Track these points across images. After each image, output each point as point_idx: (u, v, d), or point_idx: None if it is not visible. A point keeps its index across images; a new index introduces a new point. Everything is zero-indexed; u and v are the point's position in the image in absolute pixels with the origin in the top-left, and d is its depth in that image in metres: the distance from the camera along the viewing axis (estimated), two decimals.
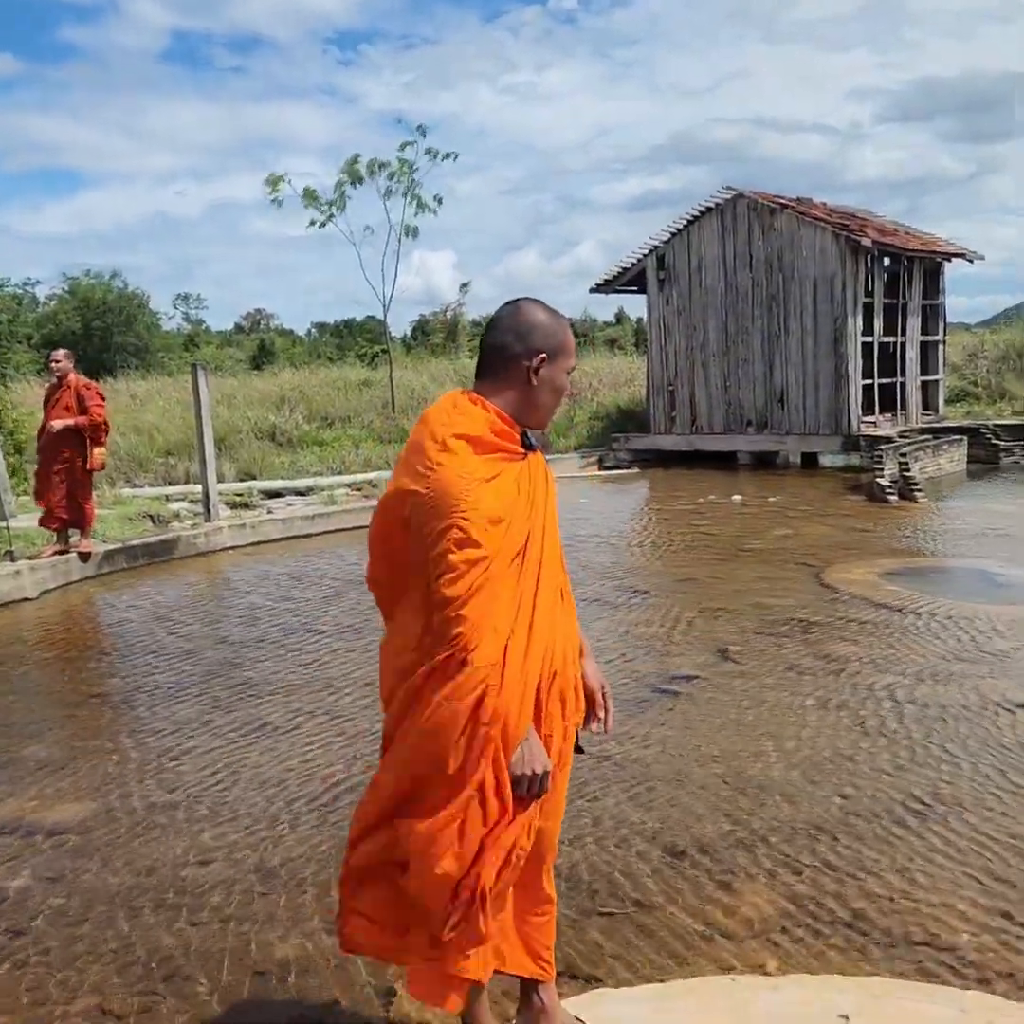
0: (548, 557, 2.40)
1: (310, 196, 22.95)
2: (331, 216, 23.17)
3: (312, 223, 23.29)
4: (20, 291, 45.25)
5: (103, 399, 10.26)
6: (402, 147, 22.95)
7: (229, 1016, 3.15)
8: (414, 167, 22.91)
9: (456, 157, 23.29)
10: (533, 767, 2.30)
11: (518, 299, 2.46)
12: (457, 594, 2.23)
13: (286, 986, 3.29)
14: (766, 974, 3.17)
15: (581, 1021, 2.63)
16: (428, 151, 23.01)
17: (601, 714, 2.63)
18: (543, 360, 2.38)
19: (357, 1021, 3.10)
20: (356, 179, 22.85)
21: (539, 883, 2.57)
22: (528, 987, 2.64)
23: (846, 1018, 2.69)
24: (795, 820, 4.34)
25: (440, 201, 23.61)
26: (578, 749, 2.71)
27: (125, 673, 6.88)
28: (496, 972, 2.53)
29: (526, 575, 2.34)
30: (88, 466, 10.00)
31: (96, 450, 10.03)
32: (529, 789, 2.32)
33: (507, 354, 2.40)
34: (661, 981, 3.10)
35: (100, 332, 49.56)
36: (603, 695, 2.64)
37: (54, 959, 3.48)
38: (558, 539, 2.49)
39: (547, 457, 2.69)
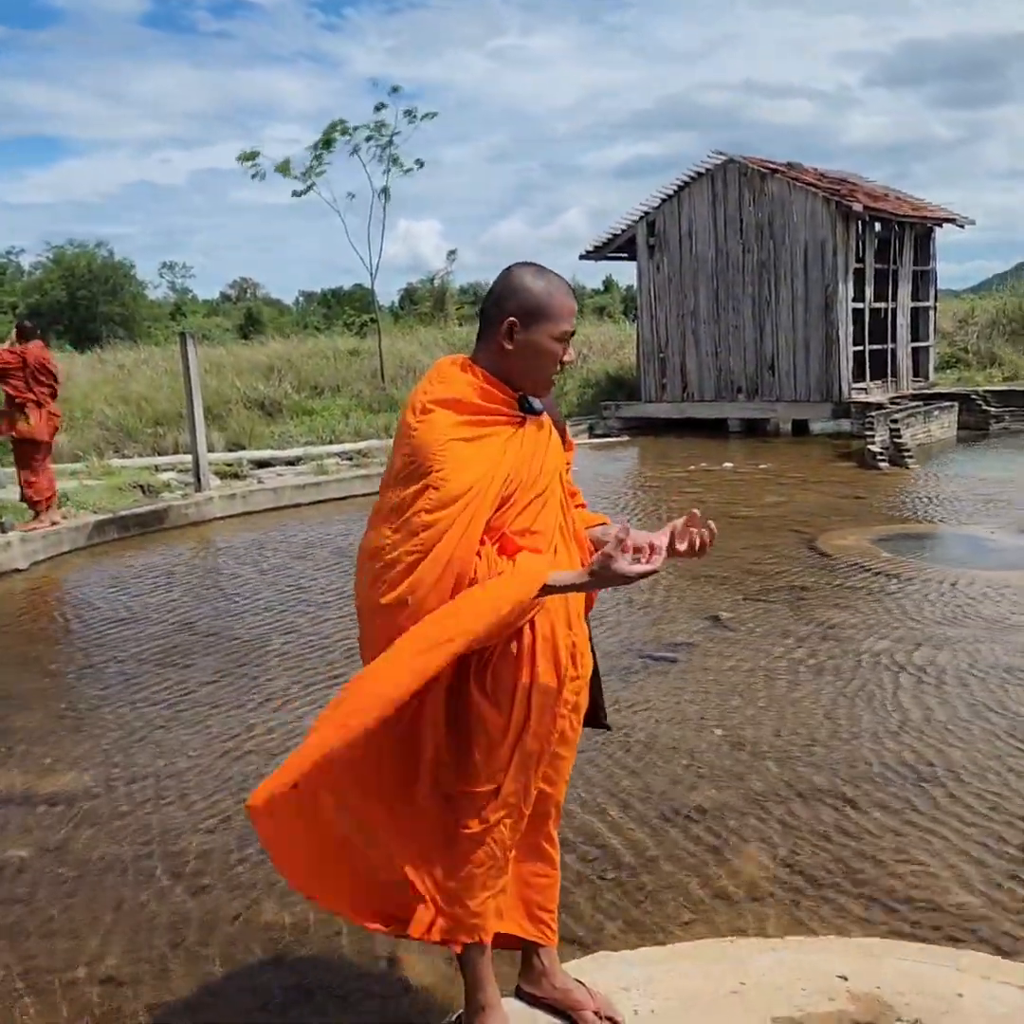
0: (543, 517, 2.38)
1: (284, 169, 22.72)
2: (312, 184, 22.95)
3: (295, 194, 23.07)
4: (4, 260, 44.98)
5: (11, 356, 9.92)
6: (377, 108, 22.71)
7: (229, 983, 3.17)
8: (393, 130, 22.68)
9: (435, 115, 23.09)
10: (626, 575, 2.20)
11: (514, 264, 2.44)
12: (422, 548, 2.25)
13: (287, 952, 3.31)
14: (765, 936, 3.20)
15: (582, 984, 2.64)
16: (407, 112, 22.80)
17: (680, 545, 2.44)
18: (513, 324, 2.35)
19: (359, 986, 3.12)
20: (328, 144, 22.56)
21: (541, 845, 2.58)
22: (529, 951, 2.65)
23: (845, 978, 2.71)
24: (791, 784, 4.37)
25: (421, 164, 23.40)
26: (604, 725, 2.71)
27: (117, 643, 6.87)
28: (498, 940, 2.54)
29: (516, 533, 2.32)
30: (15, 434, 9.89)
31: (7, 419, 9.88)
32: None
33: (487, 318, 2.40)
34: (661, 944, 3.12)
35: (86, 301, 49.28)
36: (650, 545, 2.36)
37: (53, 928, 3.50)
38: (558, 500, 2.46)
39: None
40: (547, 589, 2.24)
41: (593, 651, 2.60)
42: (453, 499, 2.25)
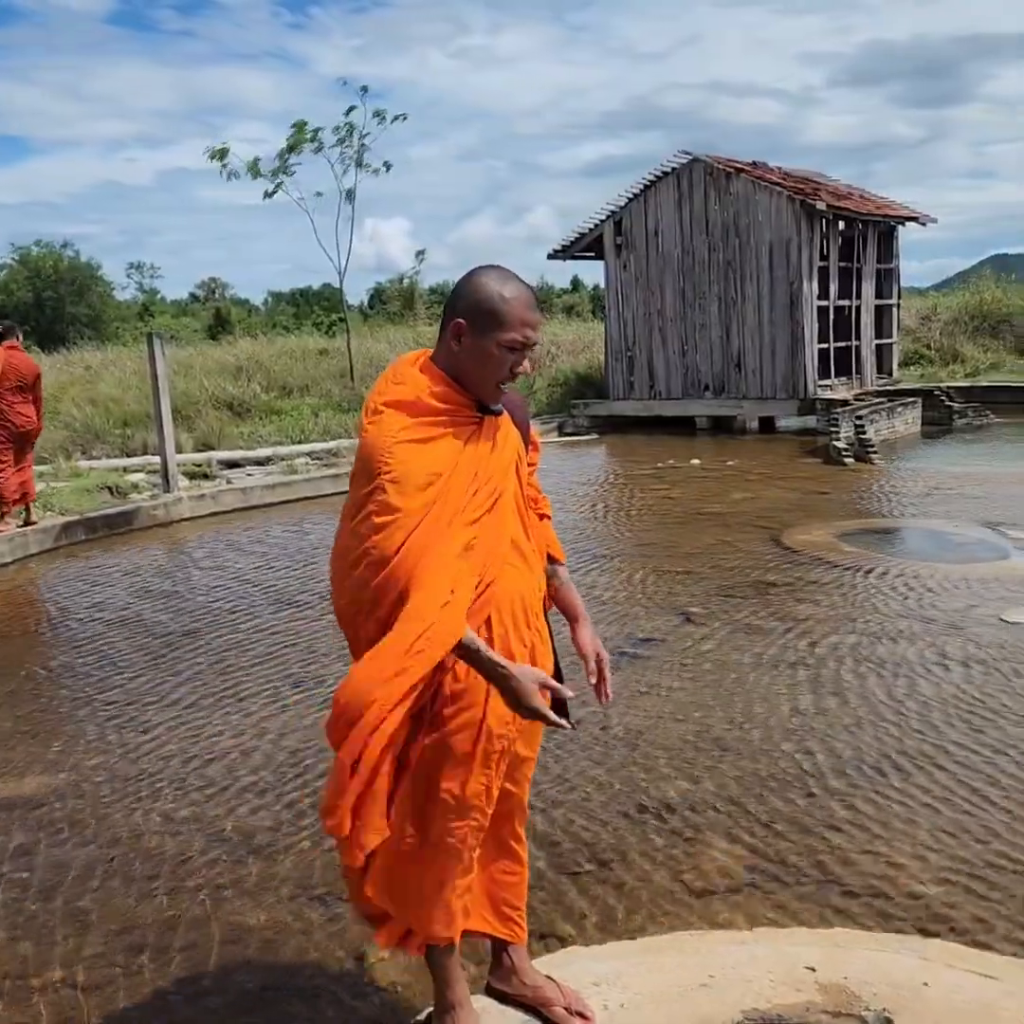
0: (500, 516, 2.38)
1: (253, 168, 22.54)
2: (280, 184, 22.81)
3: (267, 195, 22.89)
4: None
5: None
6: (348, 111, 22.63)
7: (198, 985, 3.16)
8: (363, 132, 22.59)
9: (405, 118, 22.97)
10: (527, 704, 2.25)
11: (479, 266, 2.44)
12: (376, 551, 2.25)
13: (255, 953, 3.31)
14: (734, 929, 3.23)
15: (552, 980, 2.66)
16: (376, 113, 22.71)
17: (591, 681, 2.61)
18: (460, 327, 2.35)
19: (328, 986, 3.12)
20: (296, 146, 22.43)
21: (508, 843, 2.59)
22: (498, 948, 2.66)
23: (813, 969, 2.74)
24: (759, 777, 4.41)
25: (389, 167, 23.30)
26: (570, 723, 2.70)
27: (85, 645, 6.83)
28: (467, 935, 2.55)
29: (471, 531, 2.32)
30: None
31: None
32: (543, 721, 2.29)
33: (444, 317, 2.40)
34: (631, 938, 3.15)
35: (52, 302, 48.90)
36: (597, 663, 2.61)
37: (21, 933, 3.47)
38: (517, 498, 2.46)
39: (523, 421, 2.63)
40: (461, 647, 2.23)
41: (554, 650, 2.61)
42: (401, 501, 2.25)
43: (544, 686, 2.28)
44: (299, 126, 22.34)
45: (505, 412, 2.49)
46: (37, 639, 7.14)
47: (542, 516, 2.69)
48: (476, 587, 2.31)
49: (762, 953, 2.86)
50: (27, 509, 10.33)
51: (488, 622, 2.35)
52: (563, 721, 2.32)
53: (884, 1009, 2.57)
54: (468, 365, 2.36)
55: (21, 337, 10.47)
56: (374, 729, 2.17)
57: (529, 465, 2.63)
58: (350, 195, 22.87)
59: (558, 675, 2.61)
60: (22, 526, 10.17)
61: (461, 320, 2.34)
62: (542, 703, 2.26)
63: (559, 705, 2.64)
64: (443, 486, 2.29)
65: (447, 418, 2.35)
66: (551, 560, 2.66)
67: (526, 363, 2.37)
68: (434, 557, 2.23)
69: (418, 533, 2.24)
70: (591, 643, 2.62)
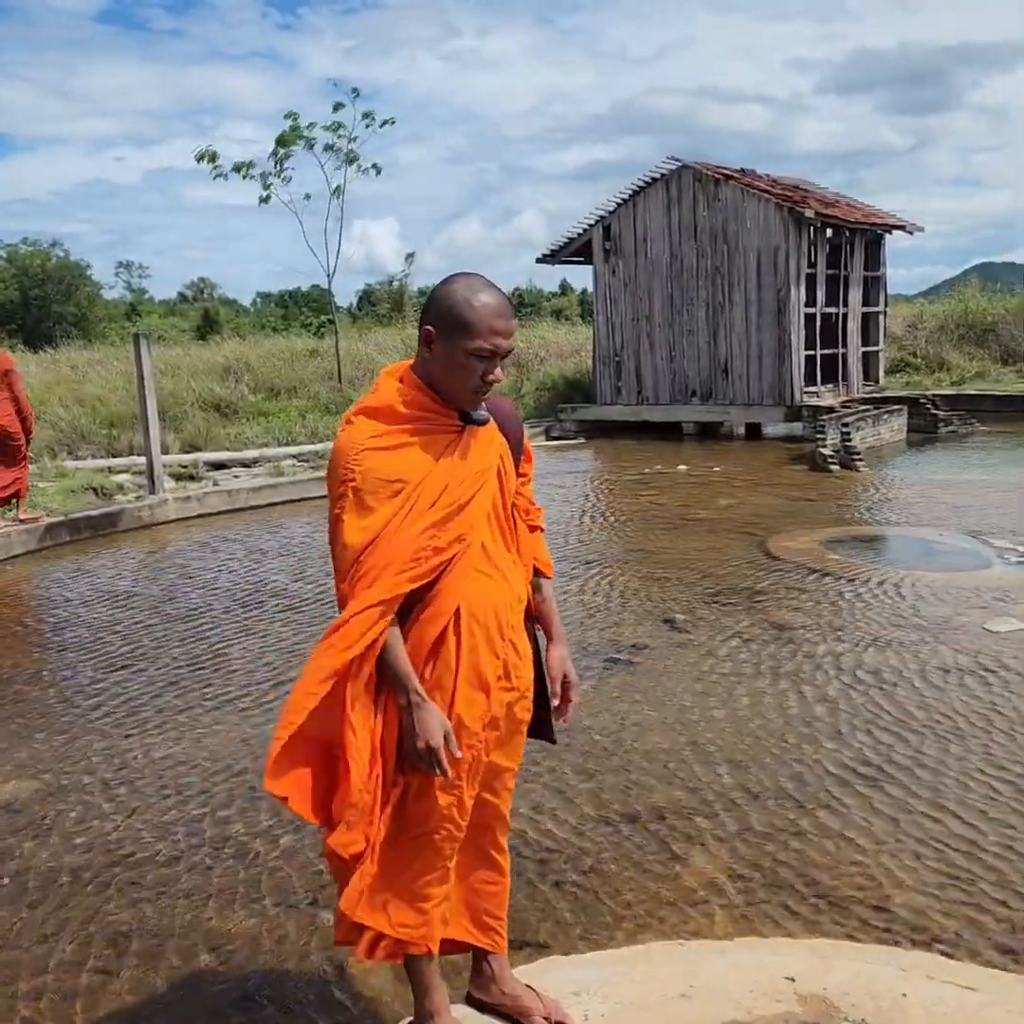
0: (474, 524, 2.38)
1: (243, 169, 22.48)
2: (270, 185, 22.76)
3: (261, 200, 22.83)
4: None
5: None
6: (336, 108, 22.59)
7: (176, 992, 3.15)
8: (351, 133, 22.56)
9: (393, 122, 22.94)
10: (426, 739, 2.26)
11: (454, 273, 2.44)
12: (349, 559, 2.29)
13: (233, 961, 3.30)
14: (715, 939, 3.24)
15: (532, 989, 2.65)
16: (366, 115, 22.67)
17: (554, 702, 2.61)
18: (429, 335, 2.35)
19: (305, 995, 3.11)
20: (290, 141, 22.36)
21: (489, 853, 2.58)
22: (479, 957, 2.66)
23: (792, 979, 2.74)
24: (743, 786, 4.41)
25: (379, 170, 23.28)
26: (550, 739, 2.69)
27: (69, 648, 6.80)
28: (446, 946, 2.55)
29: (442, 539, 2.32)
30: None
31: None
32: (425, 763, 2.29)
33: (419, 326, 2.41)
34: (612, 948, 3.15)
35: (39, 302, 48.72)
36: (564, 684, 2.61)
37: (2, 936, 3.46)
38: (494, 508, 2.45)
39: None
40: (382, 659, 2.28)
41: (539, 663, 2.60)
42: (362, 509, 2.29)
43: (447, 737, 2.29)
44: (292, 115, 22.30)
45: (491, 422, 2.49)
46: (19, 641, 7.09)
47: (533, 528, 2.67)
48: (428, 594, 2.33)
49: (743, 963, 2.86)
50: (17, 506, 10.29)
51: (457, 631, 2.35)
52: (444, 773, 2.30)
53: (863, 1020, 2.57)
54: (439, 372, 2.37)
55: None
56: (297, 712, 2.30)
57: (521, 475, 2.62)
58: (338, 192, 22.80)
59: (542, 690, 2.61)
60: (12, 524, 10.13)
61: (430, 328, 2.36)
62: (439, 749, 2.27)
63: (543, 720, 2.64)
64: (411, 494, 2.30)
65: (419, 425, 2.36)
66: (537, 573, 2.66)
67: (498, 371, 2.36)
68: (382, 565, 2.26)
69: (378, 541, 2.27)
70: (560, 666, 2.62)
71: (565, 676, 2.63)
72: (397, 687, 2.29)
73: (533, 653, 2.57)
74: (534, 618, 2.63)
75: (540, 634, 2.66)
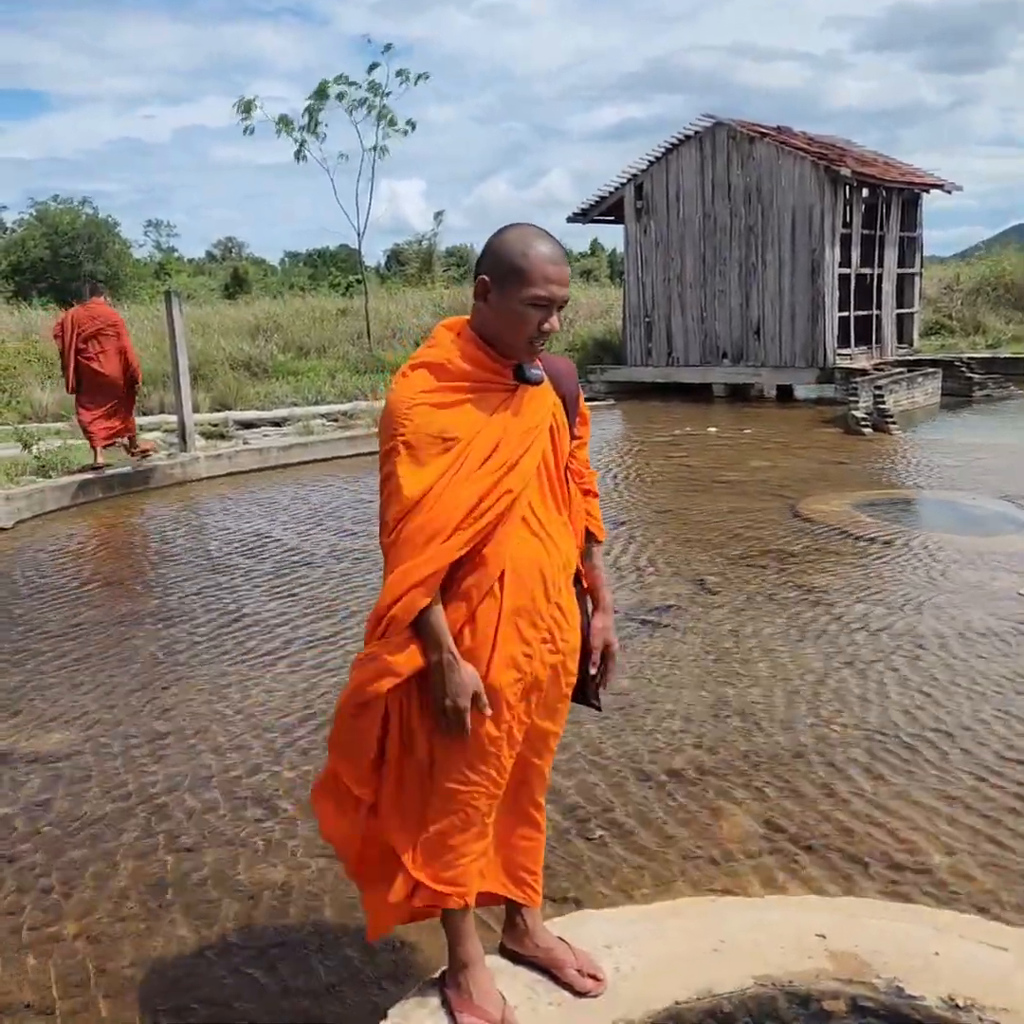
0: (525, 480, 2.36)
1: (284, 123, 22.42)
2: (304, 142, 22.70)
3: (296, 156, 22.78)
4: None
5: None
6: (371, 68, 22.49)
7: (213, 940, 3.20)
8: (385, 91, 22.44)
9: (427, 77, 22.78)
10: (453, 698, 2.27)
11: (509, 224, 2.41)
12: (398, 514, 2.27)
13: (270, 910, 3.34)
14: (746, 895, 3.25)
15: (564, 942, 2.67)
16: (399, 73, 22.54)
17: (593, 671, 2.59)
18: (484, 285, 2.32)
19: (342, 942, 3.15)
20: (322, 92, 22.28)
21: (527, 810, 2.59)
22: (512, 909, 2.68)
23: (823, 937, 2.75)
24: (774, 746, 4.41)
25: (413, 126, 23.17)
26: (594, 705, 2.67)
27: (105, 603, 6.87)
28: (481, 898, 2.57)
29: (492, 502, 2.29)
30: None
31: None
32: (449, 722, 2.29)
33: (475, 277, 2.38)
34: (644, 903, 3.16)
35: (69, 260, 48.80)
36: (604, 653, 2.61)
37: (40, 885, 3.52)
38: (545, 468, 2.42)
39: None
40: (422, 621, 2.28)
41: (587, 627, 2.58)
42: (412, 464, 2.26)
43: (476, 698, 2.29)
44: (325, 87, 22.22)
45: (546, 381, 2.45)
46: (57, 595, 7.16)
47: (586, 492, 2.64)
48: (473, 555, 2.31)
49: (773, 920, 2.87)
50: (132, 444, 11.47)
51: (500, 591, 2.33)
52: (464, 735, 2.31)
53: (895, 977, 2.57)
54: (495, 324, 2.34)
55: (90, 292, 11.50)
56: (363, 689, 2.34)
57: (576, 438, 2.58)
58: (380, 151, 22.78)
59: (585, 657, 2.59)
60: (88, 467, 10.99)
61: (485, 277, 2.32)
62: (465, 710, 2.27)
63: (585, 685, 2.62)
64: (461, 451, 2.28)
65: (475, 383, 2.33)
66: (589, 538, 2.64)
67: (554, 319, 2.32)
68: (430, 530, 2.25)
69: (427, 498, 2.25)
70: (602, 634, 2.61)
71: (606, 644, 2.62)
72: (430, 644, 2.29)
73: (580, 617, 2.54)
74: (579, 583, 2.59)
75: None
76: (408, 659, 2.28)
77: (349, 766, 2.43)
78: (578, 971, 2.58)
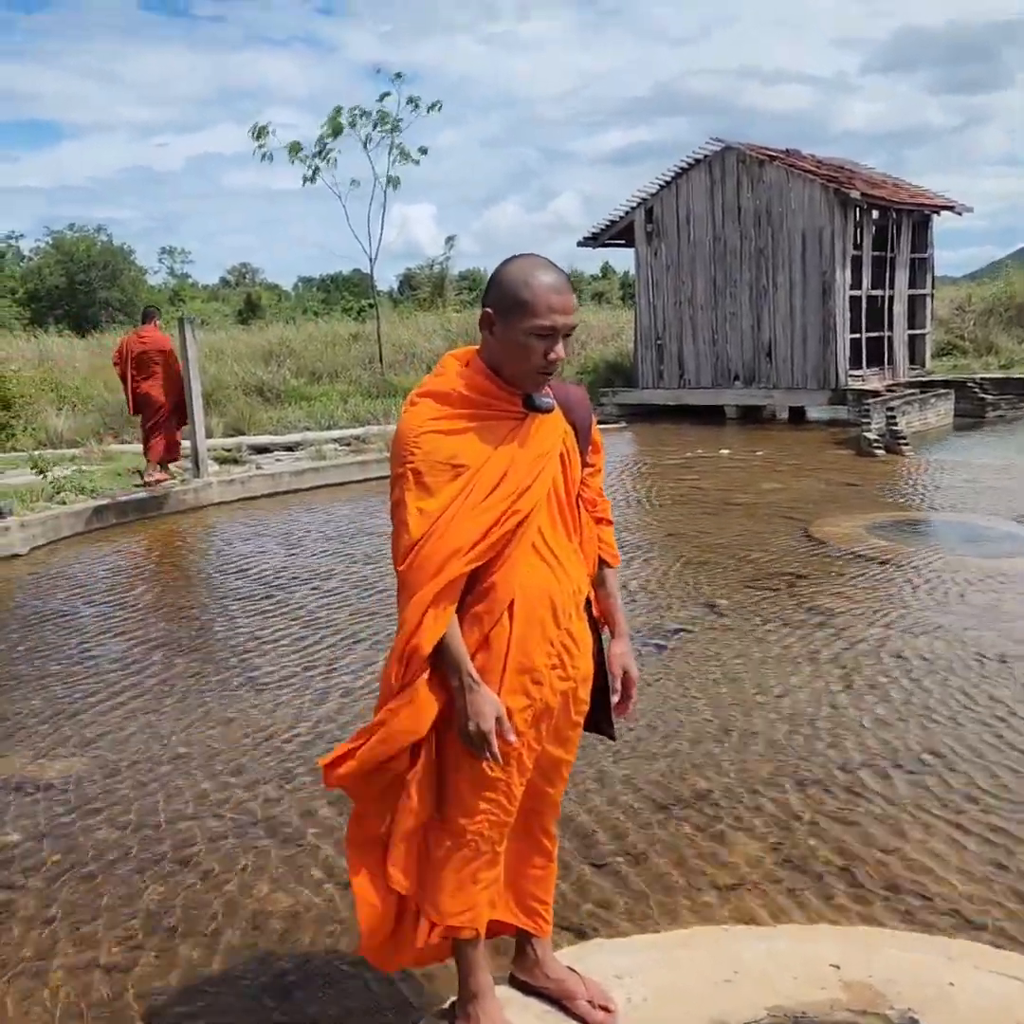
0: (534, 514, 2.36)
1: (295, 150, 22.60)
2: (317, 169, 22.88)
3: (306, 180, 22.97)
4: (3, 245, 44.90)
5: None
6: (382, 97, 22.74)
7: (226, 969, 3.19)
8: (397, 119, 22.64)
9: (440, 108, 22.95)
10: (477, 722, 2.26)
11: (514, 255, 2.42)
12: (408, 543, 2.27)
13: (282, 939, 3.33)
14: (757, 924, 3.23)
15: (575, 972, 2.66)
16: (410, 100, 22.75)
17: (614, 698, 2.58)
18: (489, 317, 2.34)
19: (353, 972, 3.13)
20: (337, 131, 22.53)
21: (538, 838, 2.58)
22: (523, 939, 2.67)
23: (837, 967, 2.73)
24: (785, 772, 4.39)
25: (425, 152, 23.33)
26: (608, 734, 2.65)
27: (119, 629, 6.89)
28: (491, 928, 2.56)
29: (501, 528, 2.30)
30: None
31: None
32: (475, 747, 2.28)
33: (481, 308, 2.40)
34: (655, 932, 3.15)
35: (85, 287, 49.20)
36: (624, 680, 2.60)
37: (48, 914, 3.51)
38: (556, 492, 2.40)
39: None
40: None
41: (601, 654, 2.56)
42: (421, 491, 2.27)
43: (499, 721, 2.28)
44: (338, 115, 22.43)
45: (557, 409, 2.44)
46: (69, 622, 7.18)
47: (599, 520, 2.63)
48: (482, 586, 2.32)
49: (786, 950, 2.85)
50: (149, 468, 11.87)
51: (510, 619, 2.33)
52: (494, 757, 2.29)
53: (909, 1008, 2.55)
54: (502, 354, 2.35)
55: (144, 319, 12.45)
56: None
57: (588, 466, 2.58)
58: (392, 182, 23.00)
59: (603, 686, 2.58)
60: (140, 485, 11.67)
61: (489, 309, 2.34)
62: (490, 732, 2.26)
63: (603, 713, 2.61)
64: (470, 479, 2.29)
65: (481, 411, 2.34)
66: (603, 564, 2.64)
67: (560, 348, 2.32)
68: (443, 554, 2.25)
69: (437, 526, 2.26)
70: (620, 661, 2.60)
71: (625, 672, 2.61)
72: (451, 669, 2.29)
73: (594, 645, 2.54)
74: (590, 609, 2.58)
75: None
76: (424, 713, 2.29)
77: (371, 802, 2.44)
78: (589, 1002, 2.57)
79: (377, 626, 6.62)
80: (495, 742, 2.27)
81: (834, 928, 3.12)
